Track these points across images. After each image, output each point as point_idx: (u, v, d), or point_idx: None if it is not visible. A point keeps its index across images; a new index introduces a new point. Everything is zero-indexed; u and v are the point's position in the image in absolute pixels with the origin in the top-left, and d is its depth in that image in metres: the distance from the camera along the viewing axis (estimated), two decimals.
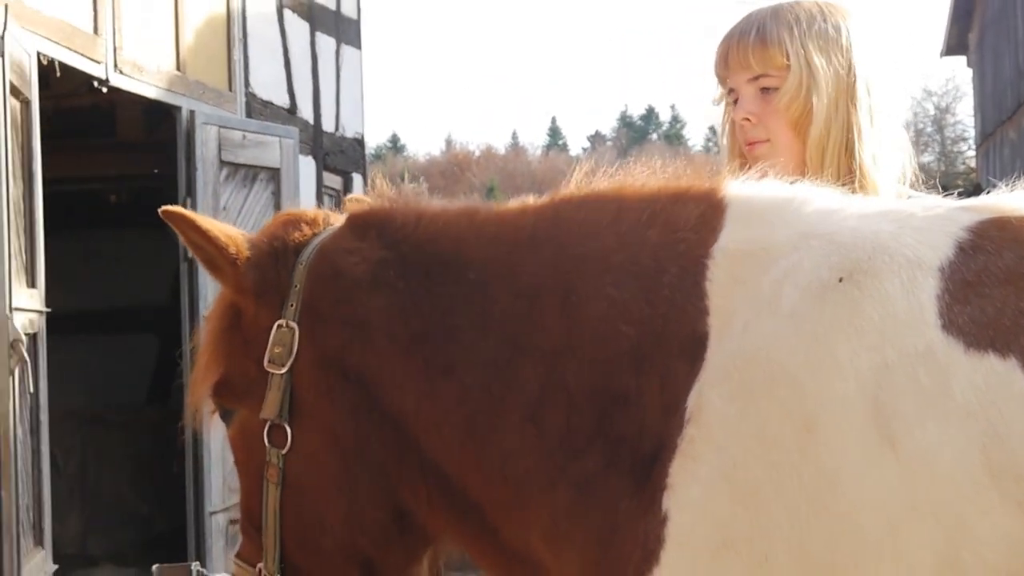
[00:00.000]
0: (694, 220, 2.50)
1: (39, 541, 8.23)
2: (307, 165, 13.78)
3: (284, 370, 2.70)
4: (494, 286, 2.59)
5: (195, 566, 4.48)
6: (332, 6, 15.24)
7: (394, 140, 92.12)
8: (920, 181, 3.45)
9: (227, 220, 10.07)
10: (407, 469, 2.66)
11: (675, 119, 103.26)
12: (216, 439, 9.67)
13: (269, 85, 13.24)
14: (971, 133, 42.53)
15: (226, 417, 2.89)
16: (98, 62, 9.61)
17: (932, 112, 54.85)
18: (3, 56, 7.57)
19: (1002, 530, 2.07)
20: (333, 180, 15.22)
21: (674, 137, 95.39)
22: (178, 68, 10.95)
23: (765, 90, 3.34)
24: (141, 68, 10.24)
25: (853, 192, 2.68)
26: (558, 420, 2.47)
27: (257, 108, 12.72)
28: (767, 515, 2.19)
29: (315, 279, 2.72)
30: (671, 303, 2.42)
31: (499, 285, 2.59)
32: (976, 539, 2.08)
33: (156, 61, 10.53)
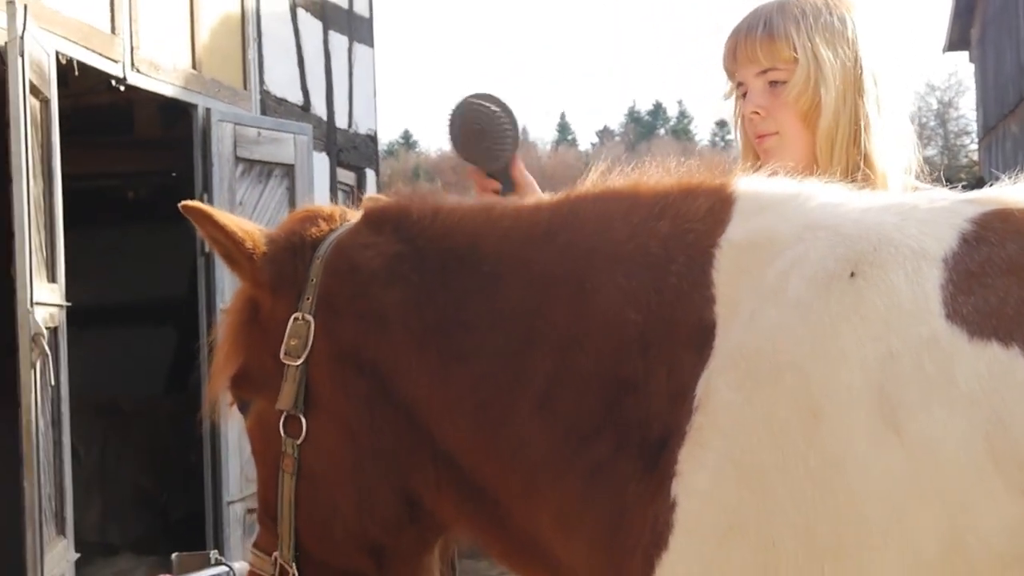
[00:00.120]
0: (703, 212, 2.50)
1: (61, 530, 8.25)
2: (321, 161, 13.80)
3: (300, 362, 2.71)
4: (507, 278, 2.60)
5: (213, 554, 4.49)
6: (345, 5, 15.25)
7: (406, 136, 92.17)
8: (924, 173, 3.45)
9: (243, 215, 10.03)
10: (419, 458, 2.66)
11: (682, 114, 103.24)
12: (233, 430, 9.68)
13: (283, 83, 13.25)
14: (973, 127, 42.46)
15: (243, 408, 2.90)
16: (116, 61, 9.62)
17: (935, 106, 54.84)
18: (23, 56, 7.57)
19: (1006, 516, 2.07)
20: (346, 176, 15.23)
21: (681, 132, 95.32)
22: (194, 67, 10.96)
23: (773, 83, 3.34)
24: (158, 67, 10.24)
25: (862, 184, 2.68)
26: (568, 408, 2.48)
27: (271, 105, 12.73)
28: (774, 501, 2.19)
29: (331, 273, 2.73)
30: (679, 291, 2.43)
31: (512, 277, 2.60)
32: (980, 524, 2.08)
33: (172, 60, 10.54)
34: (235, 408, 2.94)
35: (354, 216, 2.87)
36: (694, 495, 2.26)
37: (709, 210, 2.50)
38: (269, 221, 10.42)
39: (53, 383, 7.96)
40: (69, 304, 8.54)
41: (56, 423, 8.21)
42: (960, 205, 2.37)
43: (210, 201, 10.07)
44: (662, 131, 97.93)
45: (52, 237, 8.26)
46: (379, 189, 16.49)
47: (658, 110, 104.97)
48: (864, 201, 2.48)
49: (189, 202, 2.86)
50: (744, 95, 3.41)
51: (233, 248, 2.79)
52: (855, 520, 2.14)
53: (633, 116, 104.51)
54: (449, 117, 3.57)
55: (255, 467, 2.93)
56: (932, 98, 55.64)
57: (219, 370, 2.88)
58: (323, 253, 2.76)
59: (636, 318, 2.44)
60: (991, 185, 2.50)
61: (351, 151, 15.31)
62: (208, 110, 10.60)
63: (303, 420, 2.71)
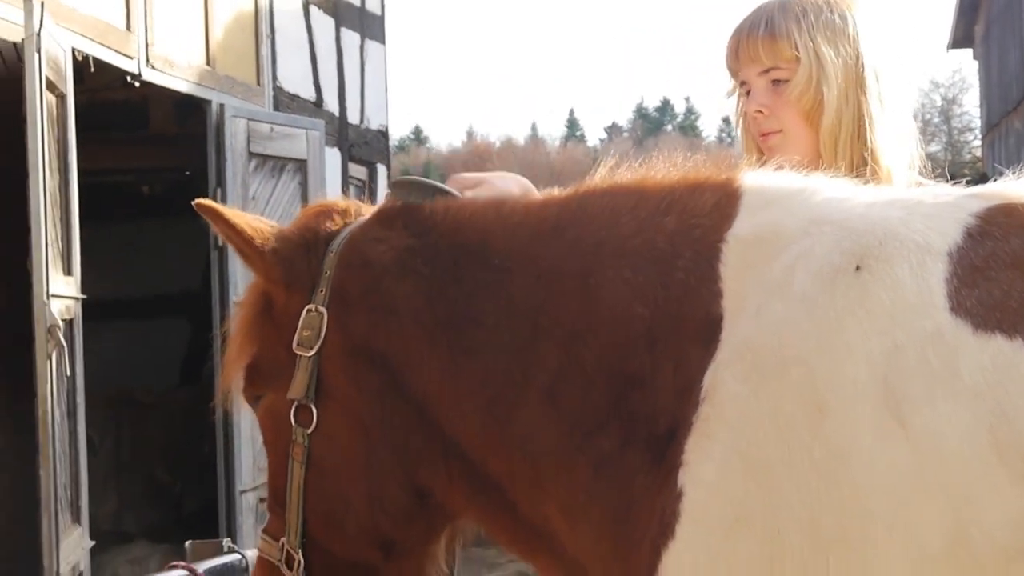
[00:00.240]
0: (709, 208, 2.50)
1: (76, 518, 8.26)
2: (333, 156, 13.80)
3: (312, 353, 2.71)
4: (517, 272, 2.60)
5: (226, 542, 4.50)
6: (357, 2, 15.26)
7: (417, 132, 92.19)
8: (927, 169, 3.44)
9: (256, 209, 10.10)
10: (429, 449, 2.66)
11: (689, 111, 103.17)
12: (246, 420, 9.70)
13: (296, 79, 13.25)
14: (977, 123, 42.41)
15: (255, 399, 2.90)
16: (131, 57, 9.63)
17: (939, 103, 54.81)
18: (40, 52, 7.58)
19: (1010, 508, 2.06)
20: (358, 171, 15.24)
21: (688, 128, 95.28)
22: (208, 63, 10.97)
23: (776, 82, 3.34)
24: (172, 63, 10.25)
25: (866, 180, 2.68)
26: (576, 400, 2.47)
27: (284, 101, 12.73)
28: (779, 492, 2.19)
29: (345, 267, 2.73)
30: (686, 286, 2.42)
31: (521, 271, 2.59)
32: (984, 516, 2.07)
33: (187, 56, 10.55)
34: (247, 399, 2.95)
35: (368, 211, 2.87)
36: (701, 485, 2.26)
37: (715, 205, 2.50)
38: (282, 215, 10.43)
39: (69, 374, 7.97)
40: (85, 297, 8.55)
41: (72, 414, 8.22)
42: (964, 200, 2.37)
43: (224, 196, 10.09)
44: (669, 127, 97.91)
45: (68, 231, 8.27)
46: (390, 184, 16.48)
47: (666, 107, 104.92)
48: (869, 196, 2.47)
49: (202, 200, 2.88)
50: (747, 94, 3.41)
51: (242, 244, 2.80)
52: (860, 512, 2.13)
53: (641, 112, 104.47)
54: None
55: (266, 456, 2.94)
56: (936, 95, 55.62)
57: (232, 361, 2.89)
58: (337, 247, 2.76)
59: (643, 313, 2.44)
60: (995, 181, 2.50)
61: (363, 146, 15.31)
62: (222, 106, 10.60)
63: (314, 410, 2.72)
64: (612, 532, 2.41)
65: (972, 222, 2.29)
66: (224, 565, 4.32)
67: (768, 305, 2.30)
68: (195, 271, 13.01)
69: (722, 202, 2.50)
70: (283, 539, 2.80)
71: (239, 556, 4.38)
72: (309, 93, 13.69)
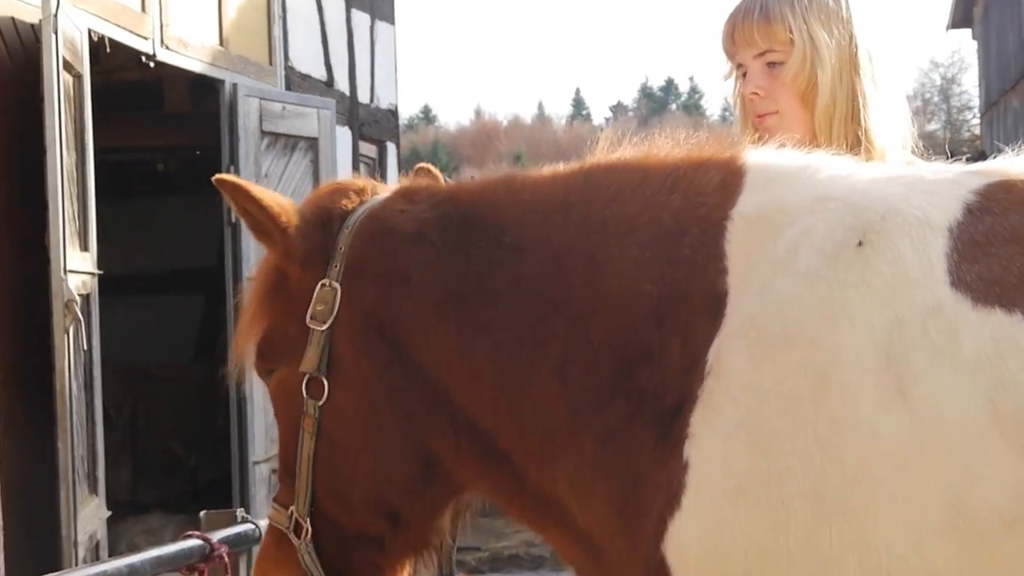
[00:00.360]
0: (715, 185, 2.50)
1: (93, 489, 8.28)
2: (343, 135, 13.79)
3: (325, 327, 2.72)
4: (526, 248, 2.60)
5: (240, 512, 4.51)
6: None
7: (426, 111, 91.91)
8: (921, 148, 3.44)
9: (268, 187, 10.03)
10: (438, 421, 2.67)
11: (693, 90, 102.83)
12: (259, 393, 9.71)
13: (307, 59, 13.24)
14: (976, 102, 42.28)
15: (267, 372, 2.90)
16: (145, 38, 9.61)
17: (939, 82, 54.71)
18: (56, 33, 7.57)
19: (1008, 476, 2.07)
20: (368, 149, 15.23)
21: (692, 107, 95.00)
22: (221, 43, 10.95)
23: (771, 64, 3.36)
24: (186, 44, 10.23)
25: (861, 158, 2.67)
26: (584, 374, 2.48)
27: (296, 81, 12.72)
28: (783, 463, 2.19)
29: (364, 238, 2.74)
30: (692, 263, 2.43)
31: (531, 247, 2.60)
32: (983, 485, 2.08)
33: (200, 37, 10.53)
34: (259, 372, 2.95)
35: (384, 190, 2.87)
36: (706, 458, 2.27)
37: (720, 183, 2.50)
38: (294, 193, 10.42)
39: (85, 348, 7.98)
40: (101, 272, 8.56)
41: (88, 387, 8.23)
42: (965, 177, 2.37)
43: (236, 174, 10.06)
44: (674, 106, 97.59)
45: (84, 207, 8.27)
46: (400, 162, 16.49)
47: (670, 86, 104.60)
48: (871, 173, 2.48)
49: (222, 175, 2.87)
50: (744, 76, 3.42)
51: (266, 220, 2.80)
52: (862, 481, 2.14)
53: (646, 92, 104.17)
54: None
55: (277, 429, 2.94)
56: (936, 74, 55.51)
57: (244, 335, 2.90)
58: (353, 223, 2.77)
59: (650, 290, 2.44)
60: (994, 158, 2.49)
61: (373, 125, 15.29)
62: (235, 85, 10.59)
63: (325, 382, 2.72)
64: (620, 504, 2.42)
65: (972, 198, 2.29)
66: (238, 535, 4.34)
67: (773, 281, 2.31)
68: (209, 247, 13.00)
69: (727, 180, 2.50)
70: (292, 507, 2.81)
71: (252, 526, 4.40)
72: (320, 73, 13.68)
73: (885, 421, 2.13)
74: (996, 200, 2.27)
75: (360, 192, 2.86)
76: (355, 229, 2.76)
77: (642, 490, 2.37)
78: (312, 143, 11.33)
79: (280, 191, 8.37)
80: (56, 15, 7.58)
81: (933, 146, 3.49)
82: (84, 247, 8.27)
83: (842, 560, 2.15)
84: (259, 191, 2.82)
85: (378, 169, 15.19)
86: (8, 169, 7.75)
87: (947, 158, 2.99)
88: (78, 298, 7.70)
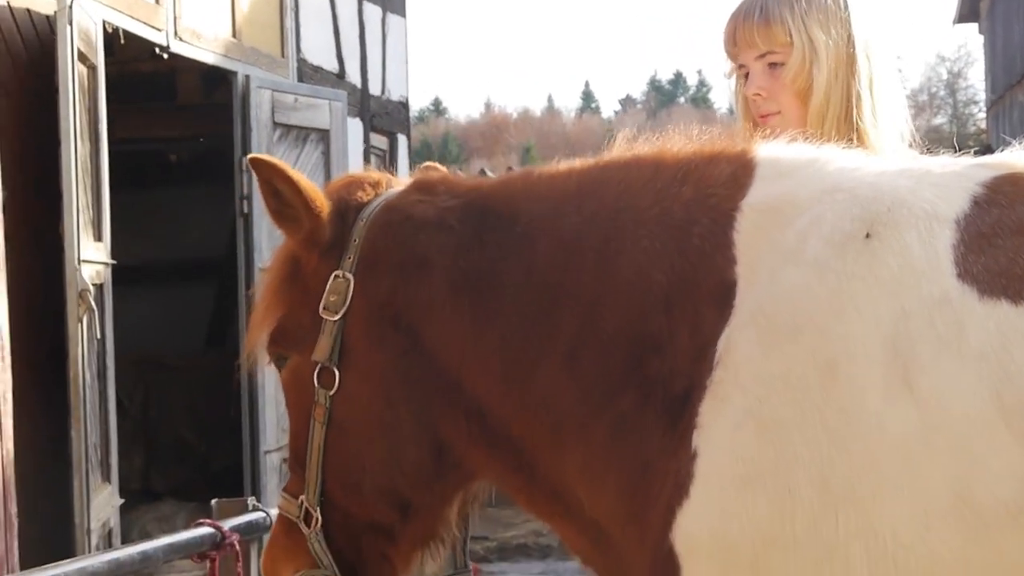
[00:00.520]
0: (725, 178, 2.51)
1: (106, 477, 8.30)
2: (355, 126, 13.79)
3: (337, 317, 2.73)
4: (539, 238, 2.61)
5: (251, 501, 4.52)
6: None
7: (436, 103, 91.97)
8: (922, 142, 3.44)
9: None
10: (449, 410, 2.67)
11: (702, 83, 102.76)
12: (270, 383, 9.72)
13: (319, 51, 13.23)
14: (982, 96, 42.25)
15: (279, 362, 2.91)
16: (159, 30, 9.62)
17: (945, 77, 54.66)
18: (72, 25, 7.58)
19: (1013, 467, 2.07)
20: (379, 140, 15.22)
21: (701, 100, 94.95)
22: (234, 35, 10.95)
23: (773, 65, 3.39)
24: (199, 35, 10.24)
25: None
26: (594, 363, 2.48)
27: (308, 73, 12.72)
28: (791, 451, 2.20)
29: (380, 228, 2.75)
30: (701, 253, 2.43)
31: (543, 237, 2.61)
32: (988, 474, 2.08)
33: (213, 29, 10.54)
34: (272, 361, 2.95)
35: (399, 184, 2.87)
36: (714, 446, 2.27)
37: (731, 175, 2.51)
38: None
39: (99, 337, 7.99)
40: (114, 262, 8.57)
41: (102, 376, 8.25)
42: (972, 170, 2.37)
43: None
44: (682, 99, 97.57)
45: (98, 197, 8.28)
46: (410, 153, 16.49)
47: (678, 79, 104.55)
48: (879, 166, 2.48)
49: (258, 155, 2.86)
50: (746, 76, 3.43)
51: (300, 204, 2.79)
52: (868, 471, 2.14)
53: (654, 85, 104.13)
54: None
55: (288, 418, 2.94)
56: (942, 68, 55.48)
57: (258, 324, 2.90)
58: (368, 215, 2.78)
59: (660, 279, 2.45)
60: (1001, 151, 2.49)
61: (383, 117, 15.29)
62: (247, 77, 10.59)
63: (336, 372, 2.73)
64: (629, 492, 2.42)
65: (979, 191, 2.29)
66: (249, 523, 4.34)
67: (781, 271, 2.31)
68: (221, 238, 13.01)
69: (737, 172, 2.50)
70: (302, 497, 2.81)
71: (263, 514, 4.40)
72: (332, 65, 13.67)
73: (892, 412, 2.14)
74: (1003, 192, 2.27)
75: (375, 185, 2.87)
76: (370, 220, 2.76)
77: (651, 478, 2.37)
78: (324, 135, 11.33)
79: None
80: (71, 7, 7.59)
81: (939, 140, 3.49)
82: (98, 237, 8.28)
83: (848, 548, 2.16)
84: (295, 173, 2.81)
85: (389, 161, 15.18)
86: (23, 160, 7.75)
87: (954, 151, 2.99)
88: (92, 287, 7.72)
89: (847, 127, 3.29)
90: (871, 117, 3.32)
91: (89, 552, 7.30)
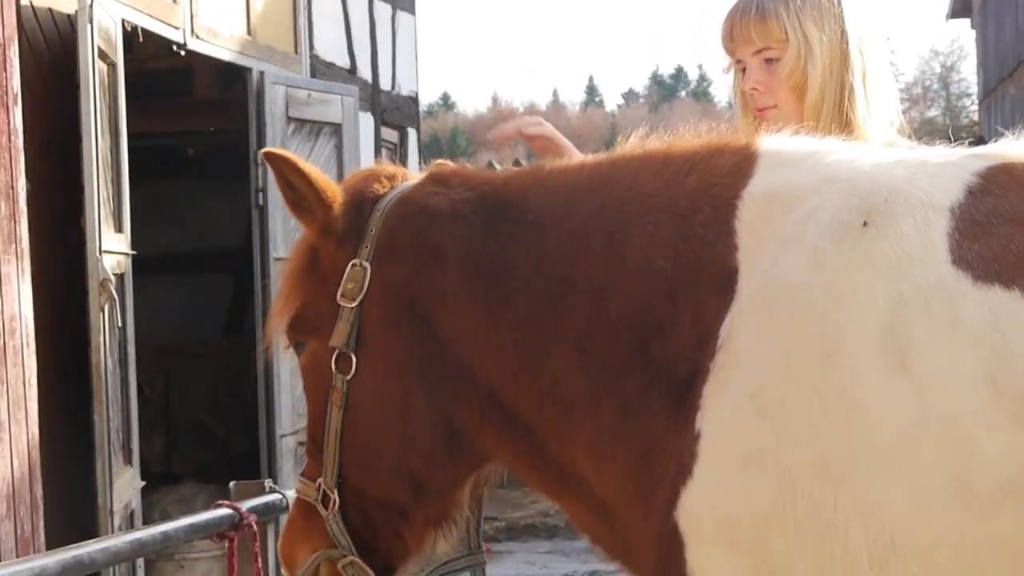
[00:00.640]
0: (728, 168, 2.52)
1: (128, 460, 8.31)
2: (366, 121, 13.79)
3: (355, 304, 2.74)
4: (549, 227, 2.63)
5: (268, 483, 4.53)
6: None
7: (445, 98, 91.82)
8: (913, 133, 3.45)
9: None
10: (463, 393, 2.68)
11: (703, 78, 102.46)
12: (286, 369, 9.72)
13: (331, 48, 13.23)
14: (974, 89, 42.13)
15: (298, 348, 2.93)
16: (176, 28, 9.61)
17: (938, 70, 54.56)
18: (92, 23, 7.58)
19: (1007, 446, 2.08)
20: (390, 134, 15.22)
21: (702, 94, 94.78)
22: (249, 33, 10.95)
23: (769, 61, 3.41)
24: (215, 33, 10.23)
25: None
26: (602, 347, 2.50)
27: (320, 69, 12.72)
28: (790, 433, 2.21)
29: (396, 219, 2.76)
30: (704, 240, 2.44)
31: (553, 226, 2.62)
32: (983, 455, 2.09)
33: (229, 27, 10.53)
34: (290, 348, 2.97)
35: (414, 177, 2.89)
36: (716, 428, 2.28)
37: (734, 166, 2.52)
38: None
39: (120, 325, 8.00)
40: (134, 252, 8.57)
41: (123, 363, 8.25)
42: (966, 160, 2.38)
43: None
44: (683, 93, 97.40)
45: (118, 190, 8.28)
46: (420, 147, 16.48)
47: (680, 74, 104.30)
48: (876, 157, 2.49)
49: (272, 149, 2.88)
50: (743, 71, 3.45)
51: (312, 195, 2.81)
52: (866, 451, 2.15)
53: (656, 79, 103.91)
54: None
55: (306, 403, 2.95)
56: (935, 62, 55.38)
57: (278, 312, 2.91)
58: (384, 206, 2.79)
59: (665, 265, 2.46)
60: (994, 142, 2.50)
61: (394, 111, 15.28)
62: (262, 73, 10.58)
63: (353, 358, 2.74)
64: (635, 472, 2.43)
65: (974, 180, 2.30)
66: (266, 504, 4.35)
67: (781, 258, 2.32)
68: (237, 229, 13.00)
69: (740, 163, 2.52)
70: (320, 480, 2.82)
71: (280, 496, 4.41)
72: (344, 61, 13.67)
73: (888, 393, 2.14)
74: (997, 182, 2.28)
75: (391, 178, 2.89)
76: (387, 211, 2.78)
77: (656, 458, 2.38)
78: (336, 129, 11.32)
79: None
80: (91, 6, 7.59)
81: (933, 131, 3.50)
82: (118, 228, 8.28)
83: (847, 527, 2.16)
84: (307, 166, 2.83)
85: (399, 154, 15.18)
86: (46, 154, 7.76)
87: (948, 143, 3.00)
88: (113, 278, 7.72)
89: (842, 120, 3.31)
90: (864, 110, 3.34)
91: (112, 532, 7.32)
